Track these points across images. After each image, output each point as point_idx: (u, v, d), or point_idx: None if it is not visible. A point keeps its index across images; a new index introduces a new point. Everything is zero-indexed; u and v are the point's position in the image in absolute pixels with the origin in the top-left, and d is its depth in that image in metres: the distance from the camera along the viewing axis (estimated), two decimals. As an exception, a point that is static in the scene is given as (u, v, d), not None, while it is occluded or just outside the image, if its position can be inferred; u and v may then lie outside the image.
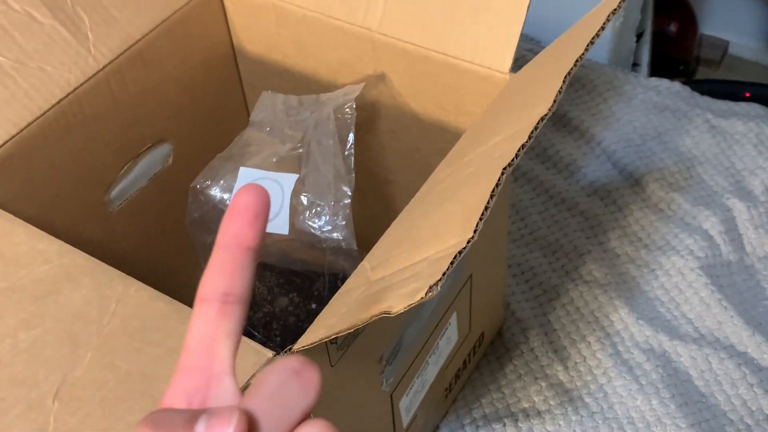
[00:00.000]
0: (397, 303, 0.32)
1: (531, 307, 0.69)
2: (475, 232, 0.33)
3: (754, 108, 0.82)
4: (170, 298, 0.42)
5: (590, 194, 0.77)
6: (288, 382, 0.24)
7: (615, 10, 0.41)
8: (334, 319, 0.38)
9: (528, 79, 0.47)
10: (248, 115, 0.70)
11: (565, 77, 0.38)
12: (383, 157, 0.65)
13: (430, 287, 0.31)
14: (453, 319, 0.57)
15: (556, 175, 0.79)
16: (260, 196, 0.27)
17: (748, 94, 1.07)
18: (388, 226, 0.70)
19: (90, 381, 0.38)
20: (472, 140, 0.44)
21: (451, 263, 0.32)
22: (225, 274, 0.26)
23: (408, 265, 0.36)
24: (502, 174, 0.35)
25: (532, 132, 0.36)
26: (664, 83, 0.85)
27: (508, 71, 0.52)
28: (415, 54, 0.55)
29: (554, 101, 0.37)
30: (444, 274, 0.32)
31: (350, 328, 0.35)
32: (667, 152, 0.79)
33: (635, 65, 1.06)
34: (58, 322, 0.41)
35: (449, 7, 0.53)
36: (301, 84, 0.64)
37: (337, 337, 0.40)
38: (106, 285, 0.42)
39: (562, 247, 0.73)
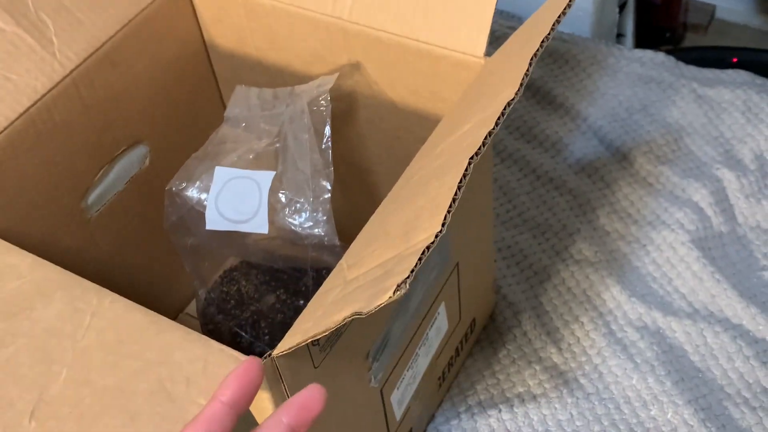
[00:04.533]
0: (367, 304, 0.31)
1: (522, 290, 0.69)
2: (443, 225, 0.32)
3: (741, 75, 0.81)
4: (146, 309, 0.41)
5: (578, 172, 0.76)
6: None
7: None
8: (310, 322, 0.37)
9: (499, 64, 0.46)
10: (224, 110, 0.69)
11: (531, 59, 0.37)
12: (363, 147, 0.64)
13: (398, 285, 0.30)
14: (442, 309, 0.56)
15: (542, 153, 0.78)
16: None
17: (735, 60, 1.05)
18: (371, 215, 0.69)
19: (66, 398, 0.38)
20: (444, 130, 0.43)
21: (419, 260, 0.31)
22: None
23: (380, 263, 0.35)
24: (469, 164, 0.34)
25: (498, 118, 0.35)
26: (648, 54, 0.84)
27: (482, 55, 0.50)
28: (388, 42, 0.54)
29: (521, 84, 0.36)
30: (412, 272, 0.31)
31: (324, 332, 0.34)
32: (654, 125, 0.78)
33: (620, 36, 1.05)
34: (31, 339, 0.40)
35: (419, -8, 0.52)
36: (275, 76, 0.63)
37: (318, 338, 0.39)
38: (80, 298, 0.41)
39: (552, 227, 0.72)
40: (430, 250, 0.32)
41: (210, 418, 0.33)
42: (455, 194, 0.33)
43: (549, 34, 0.38)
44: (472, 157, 0.34)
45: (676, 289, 0.67)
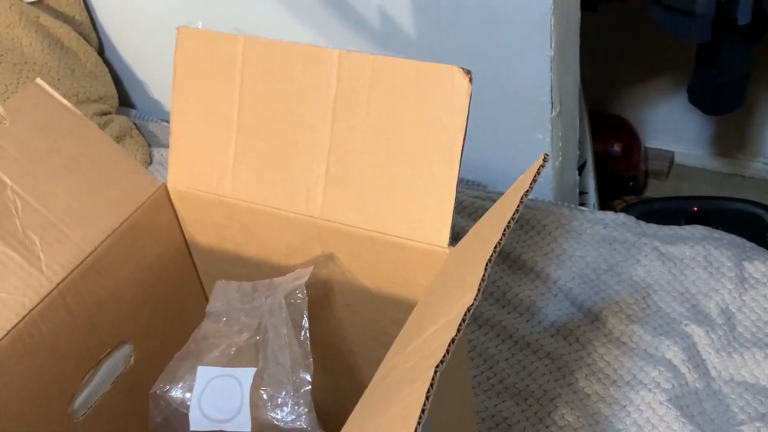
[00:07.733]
0: None
1: (508, 460, 0.69)
2: (414, 437, 0.34)
3: (698, 230, 0.85)
4: None
5: (553, 334, 0.78)
6: None
7: (527, 191, 0.43)
8: None
9: (461, 260, 0.49)
10: (206, 302, 0.71)
11: (486, 265, 0.40)
12: (342, 330, 0.66)
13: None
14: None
15: (517, 318, 0.81)
16: None
17: (696, 209, 1.11)
18: (353, 394, 0.70)
19: None
20: (413, 328, 0.46)
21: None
22: None
23: (357, 476, 0.36)
24: (435, 372, 0.36)
25: (460, 324, 0.38)
26: (609, 216, 0.88)
27: (446, 245, 0.54)
28: (359, 235, 0.58)
29: (478, 290, 0.39)
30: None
31: None
32: (621, 284, 0.81)
33: (582, 194, 1.10)
34: None
35: (383, 191, 0.56)
36: (254, 268, 0.65)
37: None
38: None
39: (533, 393, 0.74)
40: (403, 463, 0.33)
41: None
42: (423, 405, 0.35)
43: (501, 239, 0.41)
44: (437, 366, 0.36)
45: (660, 451, 0.68)
